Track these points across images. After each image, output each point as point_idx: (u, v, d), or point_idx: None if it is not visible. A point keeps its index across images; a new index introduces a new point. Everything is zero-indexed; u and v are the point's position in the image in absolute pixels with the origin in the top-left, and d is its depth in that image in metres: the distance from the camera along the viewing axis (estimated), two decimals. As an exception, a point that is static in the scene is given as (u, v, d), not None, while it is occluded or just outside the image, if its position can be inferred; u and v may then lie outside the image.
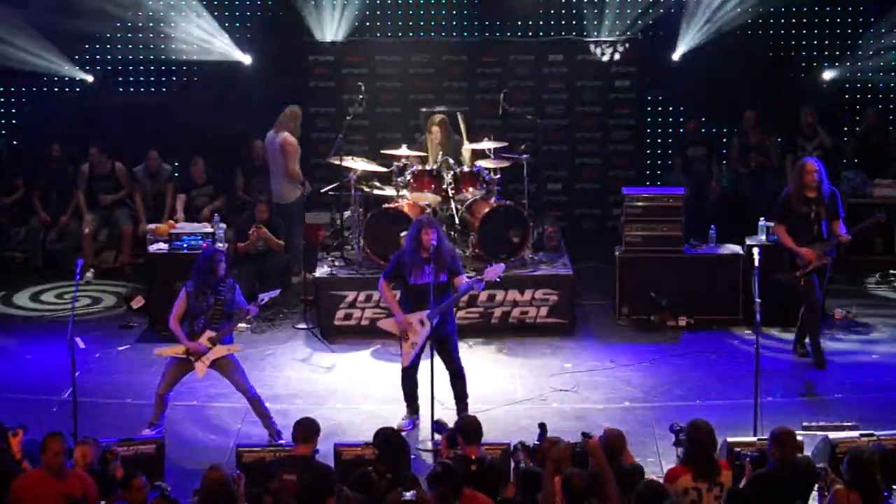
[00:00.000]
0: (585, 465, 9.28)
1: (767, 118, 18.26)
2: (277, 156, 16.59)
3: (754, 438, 10.68)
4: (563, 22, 18.89)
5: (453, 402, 12.43)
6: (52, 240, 17.68)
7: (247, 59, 18.78)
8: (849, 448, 9.76)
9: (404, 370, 12.37)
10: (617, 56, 18.57)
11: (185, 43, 18.75)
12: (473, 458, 9.76)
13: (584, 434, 9.47)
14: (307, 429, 10.01)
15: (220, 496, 9.05)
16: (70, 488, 9.45)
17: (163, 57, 18.94)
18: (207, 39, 18.64)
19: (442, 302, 12.10)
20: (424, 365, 12.18)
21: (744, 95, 18.49)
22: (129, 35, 18.82)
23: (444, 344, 12.30)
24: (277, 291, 12.78)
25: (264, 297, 12.37)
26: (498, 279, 12.64)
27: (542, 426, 10.20)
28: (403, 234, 14.45)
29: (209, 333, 12.02)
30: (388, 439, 9.77)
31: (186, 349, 12.02)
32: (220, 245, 14.92)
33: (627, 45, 18.62)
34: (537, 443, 9.89)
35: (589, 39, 18.68)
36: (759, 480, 9.31)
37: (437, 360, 12.24)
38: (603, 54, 18.60)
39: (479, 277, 12.42)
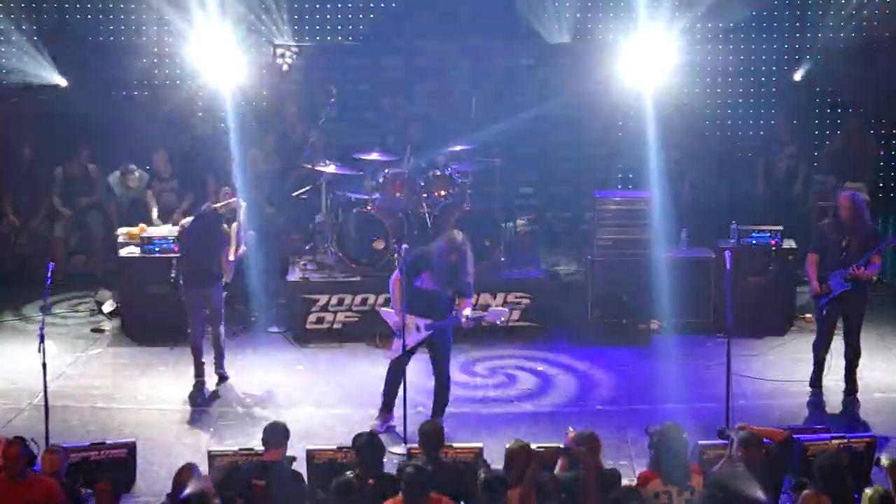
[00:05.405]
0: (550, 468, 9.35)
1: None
2: None
3: None
4: (536, 24, 18.86)
5: (429, 406, 12.44)
6: (23, 243, 17.58)
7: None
8: (818, 452, 9.82)
9: (392, 363, 12.34)
10: (588, 59, 18.53)
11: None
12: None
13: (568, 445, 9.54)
14: (277, 433, 9.96)
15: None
16: (31, 494, 9.36)
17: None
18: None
19: (441, 314, 12.11)
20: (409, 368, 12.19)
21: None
22: (101, 39, 18.76)
23: (436, 351, 12.33)
24: None
25: None
26: (499, 322, 12.74)
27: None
28: (376, 237, 14.59)
29: None
30: (369, 443, 9.73)
31: None
32: None
33: (599, 48, 18.61)
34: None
35: (561, 42, 18.67)
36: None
37: (413, 365, 12.29)
38: (574, 57, 18.57)
39: (478, 314, 12.34)
